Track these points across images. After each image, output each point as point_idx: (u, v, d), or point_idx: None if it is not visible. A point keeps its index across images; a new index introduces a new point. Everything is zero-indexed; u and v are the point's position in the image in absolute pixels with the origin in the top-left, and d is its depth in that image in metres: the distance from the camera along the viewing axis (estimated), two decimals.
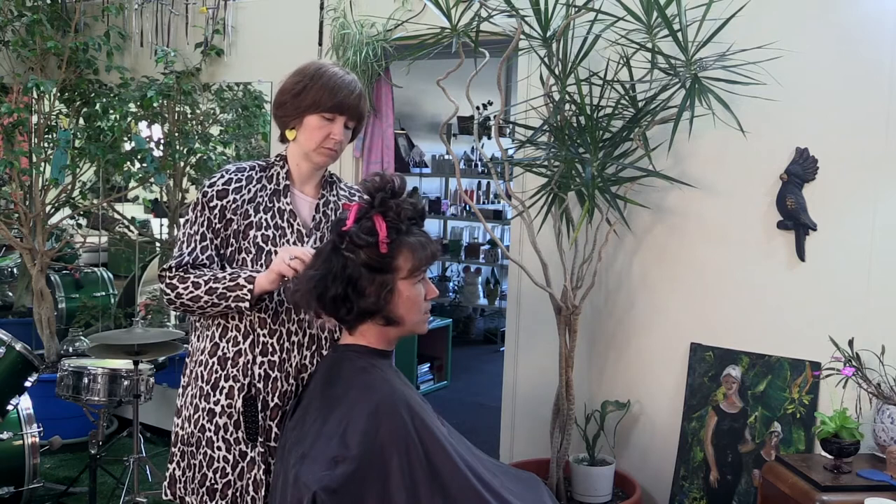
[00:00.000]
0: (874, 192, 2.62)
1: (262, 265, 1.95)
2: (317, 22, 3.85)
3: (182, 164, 4.34)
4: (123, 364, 3.45)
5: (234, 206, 1.95)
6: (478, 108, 6.34)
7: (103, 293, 5.07)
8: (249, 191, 1.99)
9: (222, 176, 1.99)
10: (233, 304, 1.89)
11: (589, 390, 3.15)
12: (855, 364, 2.47)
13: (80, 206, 4.64)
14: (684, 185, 2.81)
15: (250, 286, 1.88)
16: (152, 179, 4.24)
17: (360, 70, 3.58)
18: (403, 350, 5.20)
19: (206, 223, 1.95)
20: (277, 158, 2.07)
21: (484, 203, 7.59)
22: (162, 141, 4.33)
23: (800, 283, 2.75)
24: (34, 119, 4.31)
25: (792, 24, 2.69)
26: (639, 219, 3.00)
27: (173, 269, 1.94)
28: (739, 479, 2.80)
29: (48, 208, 4.41)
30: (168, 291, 1.94)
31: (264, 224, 1.97)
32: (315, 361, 2.00)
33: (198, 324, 2.06)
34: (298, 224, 2.01)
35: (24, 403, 3.33)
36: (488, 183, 7.50)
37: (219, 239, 1.96)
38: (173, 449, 2.04)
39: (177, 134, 4.28)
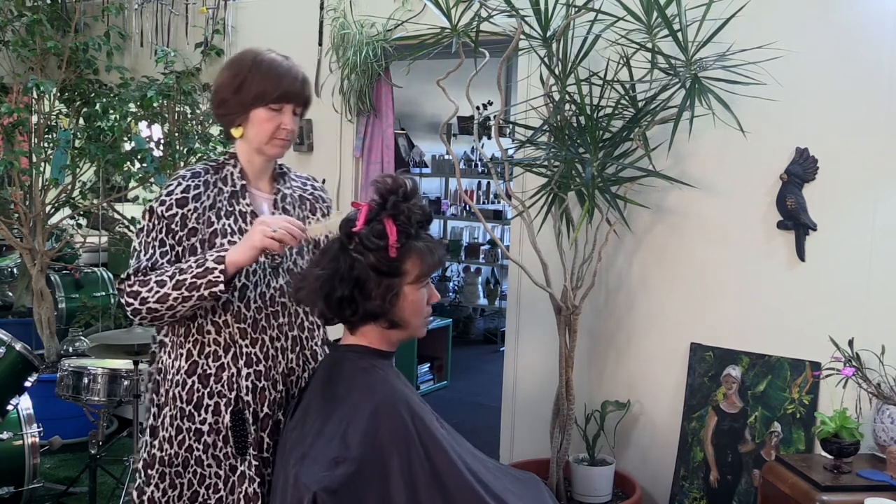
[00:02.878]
0: (874, 192, 2.62)
1: None
2: (317, 22, 3.85)
3: (182, 164, 4.33)
4: (123, 364, 3.44)
5: (195, 214, 1.87)
6: (478, 108, 6.33)
7: (103, 293, 5.06)
8: (209, 196, 1.90)
9: (179, 183, 1.89)
10: (206, 293, 1.78)
11: (589, 390, 3.15)
12: (855, 364, 2.47)
13: (80, 206, 4.64)
14: (684, 185, 2.81)
15: (221, 266, 1.78)
16: (152, 179, 4.23)
17: (361, 70, 3.58)
18: (403, 350, 5.18)
19: (164, 230, 1.86)
20: (227, 157, 1.97)
21: (484, 203, 7.59)
22: (162, 141, 4.32)
23: (800, 283, 2.75)
24: (34, 119, 4.31)
25: (792, 24, 2.69)
26: (639, 219, 3.00)
27: (132, 277, 1.82)
28: (739, 479, 2.80)
29: (48, 208, 4.40)
30: (131, 301, 1.81)
31: (229, 230, 1.89)
32: (302, 363, 1.97)
33: (167, 339, 1.95)
34: None
35: (24, 403, 3.32)
36: (488, 183, 7.49)
37: (181, 247, 1.87)
38: (150, 471, 1.91)
39: (177, 134, 4.28)
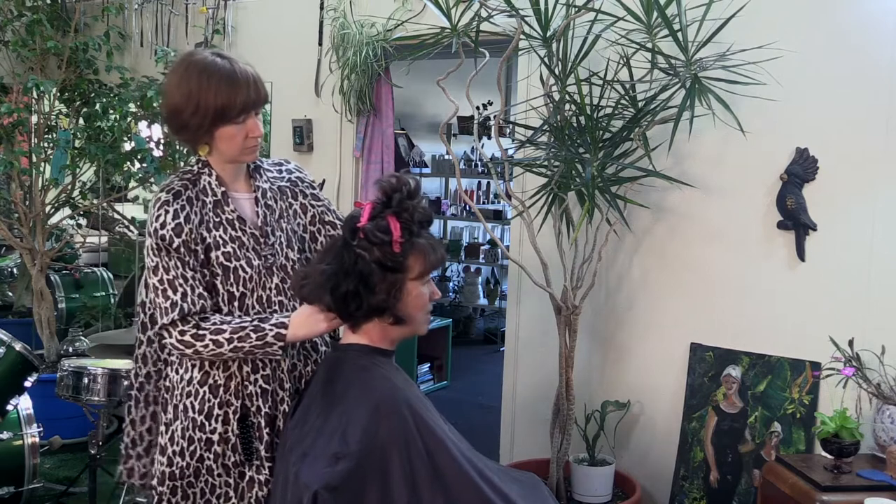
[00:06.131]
0: (874, 192, 2.62)
1: (231, 284, 1.88)
2: (317, 22, 3.85)
3: (182, 164, 4.33)
4: (123, 364, 3.43)
5: (192, 236, 1.85)
6: (478, 108, 6.33)
7: (103, 293, 5.06)
8: (196, 213, 1.87)
9: (166, 210, 1.84)
10: (260, 356, 1.87)
11: (589, 390, 3.15)
12: (855, 364, 2.47)
13: (80, 206, 4.64)
14: (684, 185, 2.81)
15: (280, 343, 1.83)
16: (152, 179, 4.23)
17: (361, 70, 3.58)
18: (403, 350, 5.18)
19: (179, 264, 1.83)
20: (201, 166, 1.92)
21: (484, 203, 7.58)
22: (162, 141, 4.32)
23: (800, 283, 2.75)
24: (34, 119, 4.31)
25: (792, 25, 2.69)
26: (639, 219, 3.00)
27: (179, 324, 1.82)
28: (739, 479, 2.80)
29: (48, 208, 4.41)
30: (181, 348, 1.83)
31: (221, 241, 1.88)
32: (303, 357, 1.98)
33: (173, 357, 1.95)
34: (250, 227, 1.92)
35: (24, 403, 3.33)
36: (488, 183, 7.49)
37: (198, 273, 1.86)
38: (161, 488, 1.90)
39: None
